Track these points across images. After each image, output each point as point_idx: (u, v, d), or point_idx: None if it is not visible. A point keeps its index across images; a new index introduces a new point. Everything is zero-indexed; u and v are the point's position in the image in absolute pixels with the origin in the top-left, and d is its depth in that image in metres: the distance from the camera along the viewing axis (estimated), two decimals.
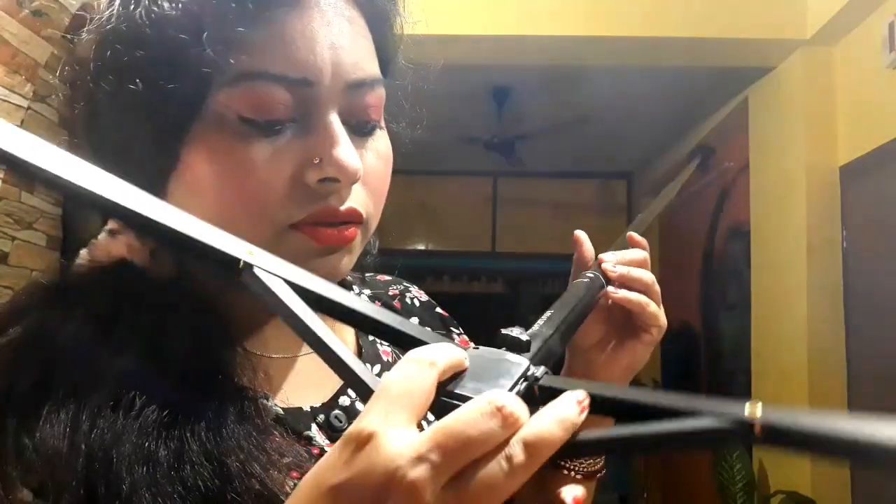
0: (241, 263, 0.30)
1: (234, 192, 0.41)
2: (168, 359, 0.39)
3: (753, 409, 0.24)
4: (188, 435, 0.37)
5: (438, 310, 0.68)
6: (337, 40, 0.42)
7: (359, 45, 0.44)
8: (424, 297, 0.68)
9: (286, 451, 0.40)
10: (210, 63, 0.39)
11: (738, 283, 3.10)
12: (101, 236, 0.47)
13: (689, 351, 3.72)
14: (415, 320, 0.63)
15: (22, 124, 1.60)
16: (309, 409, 0.47)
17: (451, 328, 0.67)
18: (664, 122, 3.68)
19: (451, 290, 5.31)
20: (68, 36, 0.46)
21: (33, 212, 1.70)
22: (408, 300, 0.66)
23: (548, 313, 0.43)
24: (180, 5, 0.39)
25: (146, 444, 0.36)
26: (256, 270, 0.30)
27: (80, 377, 0.38)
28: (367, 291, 0.63)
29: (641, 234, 0.61)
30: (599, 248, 0.59)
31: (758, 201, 2.92)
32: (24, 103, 1.57)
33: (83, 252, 0.48)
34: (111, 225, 0.47)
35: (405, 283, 0.68)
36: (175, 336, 0.41)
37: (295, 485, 0.38)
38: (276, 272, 0.31)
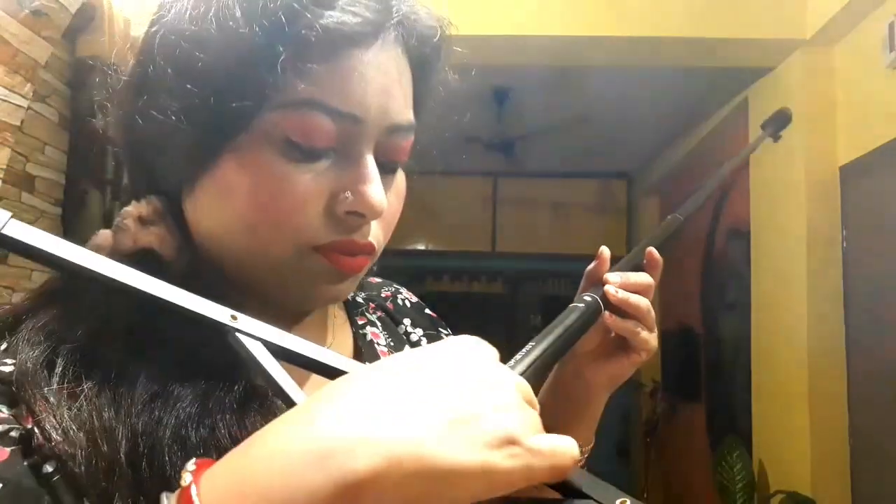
0: (226, 328, 0.35)
1: (268, 207, 0.43)
2: (192, 351, 0.41)
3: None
4: (219, 424, 0.39)
5: (427, 311, 0.71)
6: (388, 85, 0.45)
7: (404, 92, 0.47)
8: (414, 299, 0.71)
9: None
10: (271, 84, 0.41)
11: (738, 283, 3.10)
12: (130, 222, 0.47)
13: (689, 351, 3.72)
14: (407, 321, 0.66)
15: (22, 124, 1.60)
16: None
17: (440, 328, 0.69)
18: (664, 122, 3.68)
19: (451, 290, 5.31)
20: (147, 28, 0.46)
21: (33, 212, 1.70)
22: (399, 301, 0.69)
23: (531, 344, 0.47)
24: (254, 25, 0.40)
25: (181, 431, 0.38)
26: (239, 335, 0.35)
27: (111, 363, 0.40)
28: (362, 294, 0.65)
29: (687, 216, 0.67)
30: (600, 246, 0.61)
31: (758, 201, 2.92)
32: (24, 103, 1.57)
33: (105, 232, 0.48)
34: (142, 212, 0.47)
35: (395, 286, 0.71)
36: (198, 329, 0.43)
37: None
38: (255, 334, 0.35)
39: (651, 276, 0.61)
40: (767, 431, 2.78)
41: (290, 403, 0.34)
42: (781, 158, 2.68)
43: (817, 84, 2.52)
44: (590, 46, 2.62)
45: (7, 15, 1.50)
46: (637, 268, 0.62)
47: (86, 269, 0.33)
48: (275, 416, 0.41)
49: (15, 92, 1.54)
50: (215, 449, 0.39)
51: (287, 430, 0.29)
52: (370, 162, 0.45)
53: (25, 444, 0.36)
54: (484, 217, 4.99)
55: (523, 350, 0.46)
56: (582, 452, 0.62)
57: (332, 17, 0.42)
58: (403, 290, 0.71)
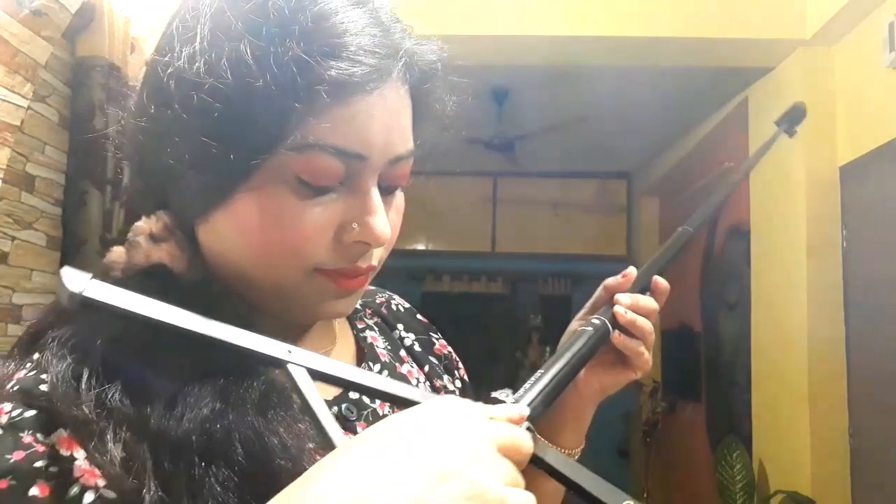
0: (282, 361, 0.39)
1: (280, 240, 0.46)
2: (211, 353, 0.43)
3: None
4: (242, 419, 0.42)
5: (419, 316, 0.73)
6: (391, 123, 0.47)
7: (405, 124, 0.49)
8: (407, 305, 0.74)
9: (312, 437, 0.44)
10: (283, 131, 0.43)
11: (738, 283, 3.10)
12: (142, 239, 0.49)
13: (689, 351, 3.72)
14: (401, 326, 0.69)
15: (22, 124, 1.60)
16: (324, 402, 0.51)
17: (431, 333, 0.72)
18: (664, 122, 3.68)
19: (451, 290, 5.30)
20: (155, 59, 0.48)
21: (33, 212, 1.70)
22: (393, 307, 0.72)
23: (540, 371, 0.49)
24: (267, 76, 0.42)
25: (205, 426, 0.41)
26: (289, 366, 0.39)
27: (132, 367, 0.42)
28: (359, 301, 0.67)
29: (698, 226, 0.71)
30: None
31: (758, 201, 2.92)
32: (24, 103, 1.57)
33: (118, 249, 0.50)
34: (152, 229, 0.49)
35: (388, 293, 0.74)
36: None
37: None
38: (305, 364, 0.40)
39: (657, 301, 0.64)
40: (767, 431, 2.78)
41: (325, 438, 0.38)
42: (781, 158, 2.68)
43: (817, 84, 2.52)
44: (590, 46, 2.62)
45: (7, 15, 1.50)
46: (645, 288, 0.64)
47: (164, 322, 0.37)
48: (294, 408, 0.44)
49: (15, 92, 1.54)
50: (240, 443, 0.41)
51: None
52: (375, 194, 0.47)
53: (65, 477, 0.38)
54: (484, 217, 4.99)
55: (532, 377, 0.48)
56: (572, 455, 0.67)
57: (339, 69, 0.43)
58: (396, 297, 0.74)
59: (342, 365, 0.41)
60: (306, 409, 0.39)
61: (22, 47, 1.54)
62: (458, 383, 0.70)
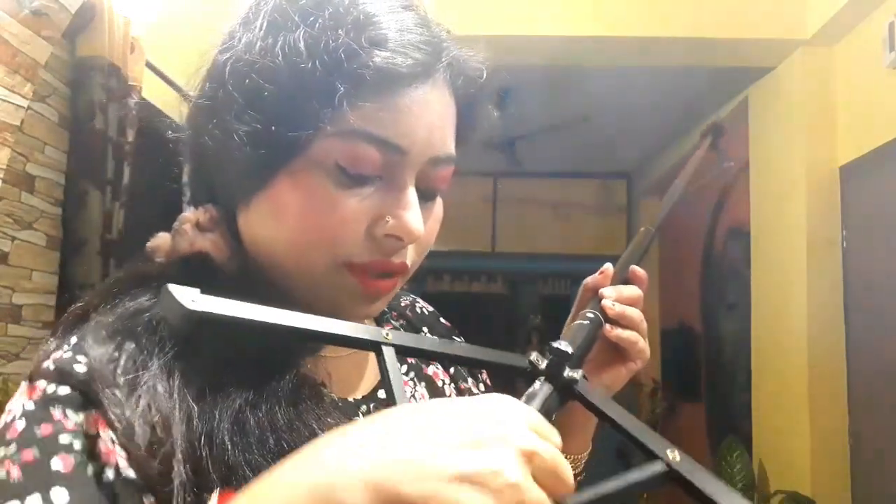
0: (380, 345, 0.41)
1: (315, 226, 0.47)
2: (246, 344, 0.44)
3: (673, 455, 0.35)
4: (275, 409, 0.43)
5: (442, 319, 0.75)
6: (433, 121, 0.49)
7: (448, 127, 0.51)
8: (430, 308, 0.75)
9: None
10: (327, 115, 0.45)
11: (738, 283, 3.10)
12: (188, 227, 0.51)
13: (689, 351, 3.72)
14: (425, 328, 0.70)
15: (22, 124, 1.60)
16: (353, 401, 0.54)
17: (454, 337, 0.74)
18: (664, 122, 3.68)
19: (451, 290, 5.30)
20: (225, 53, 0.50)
21: (33, 212, 1.70)
22: (418, 310, 0.73)
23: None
24: (316, 61, 0.44)
25: (239, 415, 0.42)
26: (384, 348, 0.40)
27: (174, 354, 0.43)
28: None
29: (658, 226, 0.72)
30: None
31: (758, 201, 2.92)
32: (24, 103, 1.57)
33: (164, 235, 0.52)
34: (200, 219, 0.51)
35: (412, 295, 0.75)
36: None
37: None
38: (398, 343, 0.41)
39: (638, 288, 0.65)
40: (767, 431, 2.78)
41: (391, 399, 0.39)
42: (781, 158, 2.68)
43: (817, 84, 2.52)
44: (590, 46, 2.62)
45: (7, 15, 1.50)
46: (624, 282, 0.65)
47: (273, 324, 0.38)
48: (324, 402, 0.46)
49: (15, 92, 1.54)
50: (272, 432, 0.42)
51: (299, 465, 0.32)
52: (411, 190, 0.49)
53: (88, 454, 0.39)
54: (484, 217, 4.98)
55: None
56: (579, 459, 0.67)
57: (385, 57, 0.45)
58: (420, 300, 0.75)
59: (435, 340, 0.44)
60: (386, 387, 0.40)
61: (22, 47, 1.54)
62: (482, 387, 0.70)
